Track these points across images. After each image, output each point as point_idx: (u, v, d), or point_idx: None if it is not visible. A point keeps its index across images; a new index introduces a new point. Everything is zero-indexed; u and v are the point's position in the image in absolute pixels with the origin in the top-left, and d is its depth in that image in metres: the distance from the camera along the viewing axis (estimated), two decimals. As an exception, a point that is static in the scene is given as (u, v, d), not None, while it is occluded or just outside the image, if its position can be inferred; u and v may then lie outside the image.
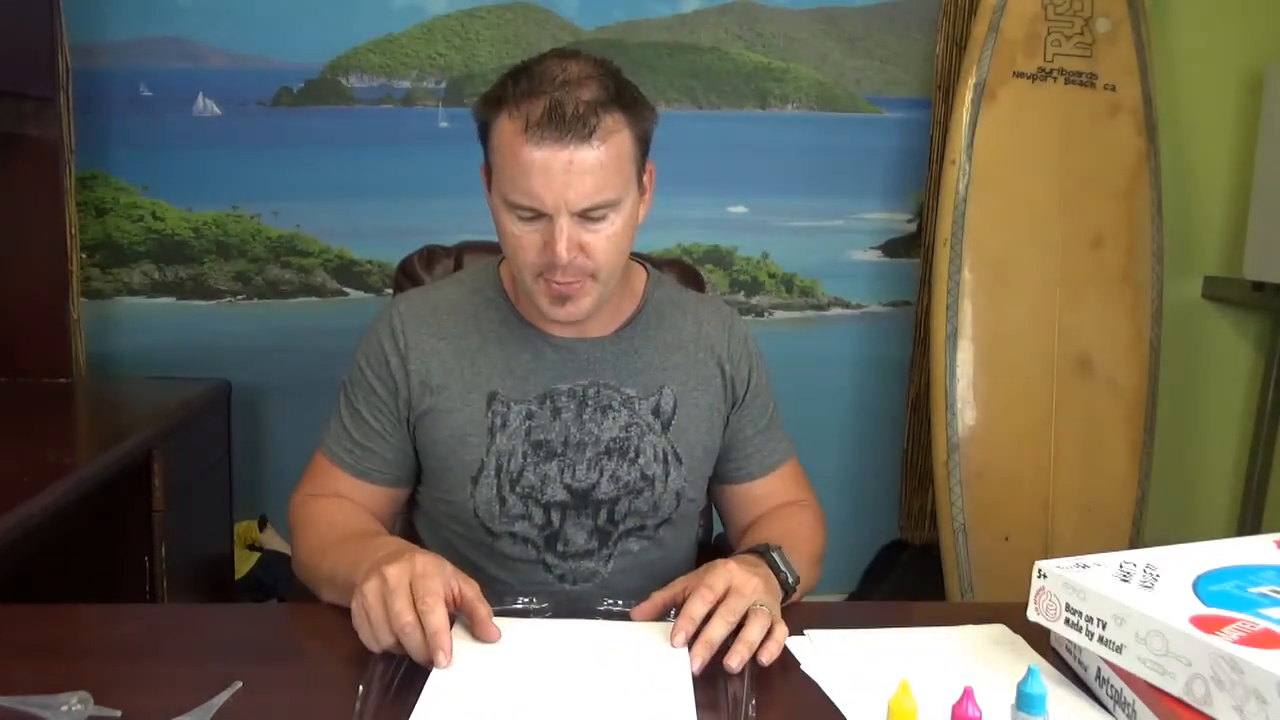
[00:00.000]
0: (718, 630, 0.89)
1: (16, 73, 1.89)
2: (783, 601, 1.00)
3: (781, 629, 0.92)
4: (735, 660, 0.87)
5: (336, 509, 1.14)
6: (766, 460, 1.25)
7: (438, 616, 0.84)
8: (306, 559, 1.09)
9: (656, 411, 1.17)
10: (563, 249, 1.01)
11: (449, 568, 0.91)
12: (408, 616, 0.84)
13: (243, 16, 2.20)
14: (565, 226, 1.01)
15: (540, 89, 1.00)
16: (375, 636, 0.86)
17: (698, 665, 0.87)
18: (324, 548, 1.06)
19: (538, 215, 1.03)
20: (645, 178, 1.11)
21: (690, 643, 0.89)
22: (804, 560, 1.09)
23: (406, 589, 0.86)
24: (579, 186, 1.00)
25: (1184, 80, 2.39)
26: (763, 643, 0.90)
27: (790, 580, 1.02)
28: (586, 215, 1.03)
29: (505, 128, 1.02)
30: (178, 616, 1.17)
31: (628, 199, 1.06)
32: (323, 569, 1.04)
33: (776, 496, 1.24)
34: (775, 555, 1.03)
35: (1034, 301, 2.21)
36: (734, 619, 0.90)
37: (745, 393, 1.23)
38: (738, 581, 0.93)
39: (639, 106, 1.06)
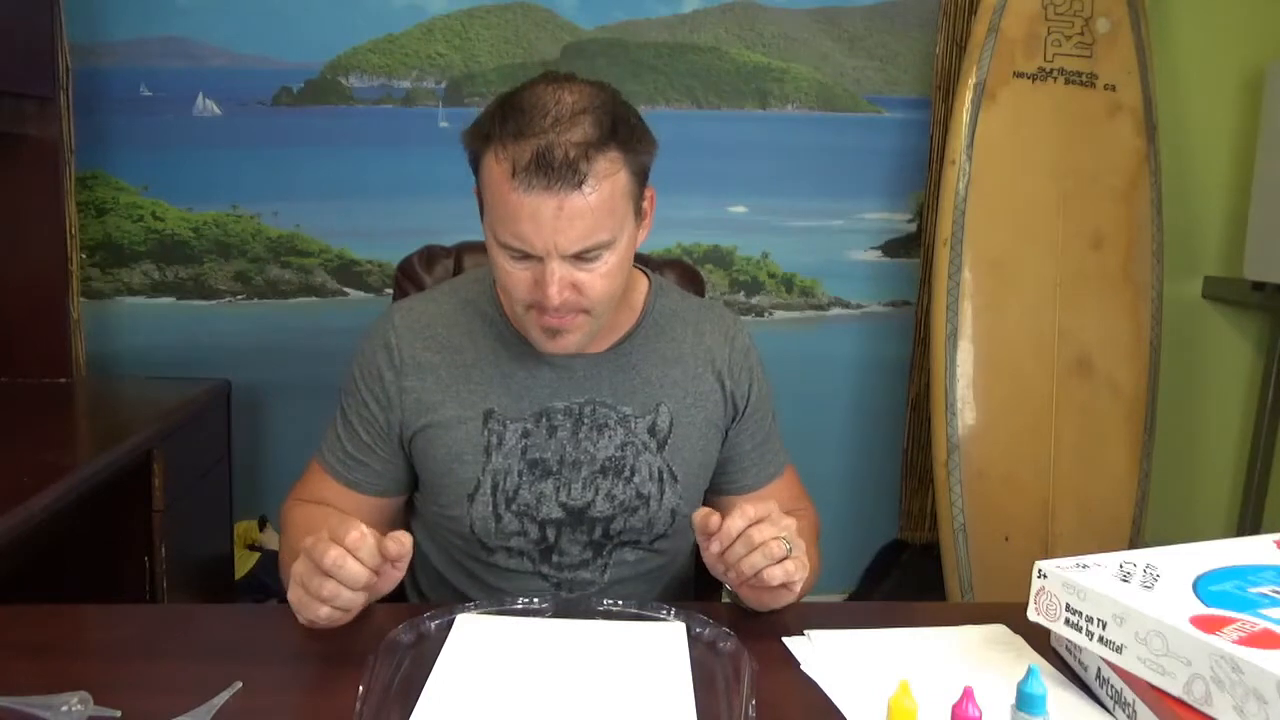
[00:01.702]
0: (737, 550, 0.94)
1: (16, 73, 1.89)
2: None
3: (796, 565, 0.94)
4: (732, 575, 0.96)
5: (316, 515, 1.12)
6: (763, 473, 1.24)
7: (369, 538, 0.89)
8: (282, 562, 1.10)
9: (653, 430, 1.15)
10: (553, 292, 1.00)
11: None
12: (333, 552, 0.88)
13: (243, 16, 2.20)
14: (556, 269, 0.99)
15: (528, 130, 0.96)
16: (312, 592, 0.89)
17: (719, 568, 0.96)
18: (294, 551, 1.03)
19: (527, 255, 1.00)
20: (645, 204, 1.08)
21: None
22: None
23: (327, 540, 0.89)
24: (569, 232, 0.98)
25: (1184, 80, 2.39)
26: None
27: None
28: (579, 256, 1.00)
29: (493, 169, 0.99)
30: (178, 616, 1.17)
31: (623, 236, 1.03)
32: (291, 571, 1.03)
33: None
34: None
35: (1034, 301, 2.21)
36: (760, 540, 0.93)
37: (745, 407, 1.21)
38: (776, 515, 0.96)
39: (636, 140, 1.02)
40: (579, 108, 0.98)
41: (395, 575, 0.94)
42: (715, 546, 0.95)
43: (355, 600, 0.91)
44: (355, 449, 1.16)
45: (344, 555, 0.88)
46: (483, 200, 1.05)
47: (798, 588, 0.97)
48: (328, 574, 0.88)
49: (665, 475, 1.16)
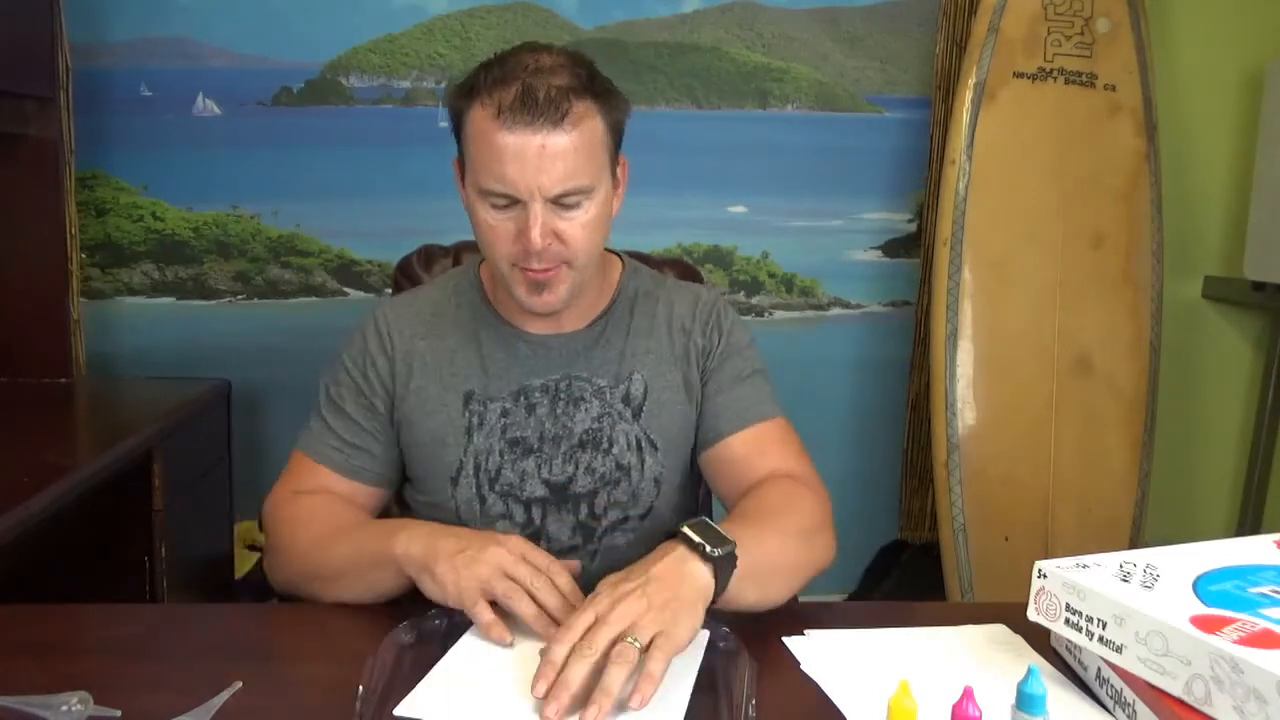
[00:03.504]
0: (574, 672, 0.78)
1: (16, 73, 1.89)
2: (723, 577, 0.89)
3: (659, 658, 0.79)
4: (592, 712, 0.75)
5: (329, 502, 1.12)
6: (740, 415, 1.16)
7: (565, 578, 0.94)
8: (306, 551, 1.05)
9: (627, 399, 1.17)
10: (536, 235, 1.02)
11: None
12: (554, 598, 0.91)
13: (243, 16, 2.20)
14: (539, 213, 1.02)
15: (512, 76, 1.02)
16: (519, 605, 0.90)
17: (553, 713, 0.76)
18: (333, 537, 1.05)
19: (511, 203, 1.03)
20: (620, 170, 1.11)
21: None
22: (773, 534, 0.99)
23: (530, 566, 0.92)
24: (552, 171, 1.01)
25: (1184, 80, 2.39)
26: (642, 679, 0.79)
27: (715, 551, 0.88)
28: (560, 202, 1.03)
29: (478, 115, 1.03)
30: (178, 616, 1.17)
31: (601, 187, 1.07)
32: (335, 556, 1.02)
33: (757, 456, 1.14)
34: (688, 530, 0.90)
35: (1034, 301, 2.21)
36: (593, 656, 0.79)
37: (712, 356, 1.20)
38: (600, 613, 0.82)
39: (610, 96, 1.07)
40: (557, 64, 1.04)
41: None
42: (539, 689, 0.78)
43: (515, 593, 0.91)
44: (353, 436, 1.16)
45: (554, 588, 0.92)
46: (465, 159, 1.07)
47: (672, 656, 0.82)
48: (529, 583, 0.91)
49: (644, 443, 1.16)
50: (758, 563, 0.93)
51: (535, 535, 1.15)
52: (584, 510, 1.16)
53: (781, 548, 1.00)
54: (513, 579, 0.91)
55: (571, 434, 1.15)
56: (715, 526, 0.92)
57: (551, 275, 1.06)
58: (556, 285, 1.08)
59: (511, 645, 0.89)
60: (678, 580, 0.86)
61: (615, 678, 0.77)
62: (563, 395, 1.15)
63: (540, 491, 1.15)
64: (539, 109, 1.00)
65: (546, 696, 0.77)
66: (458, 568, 0.91)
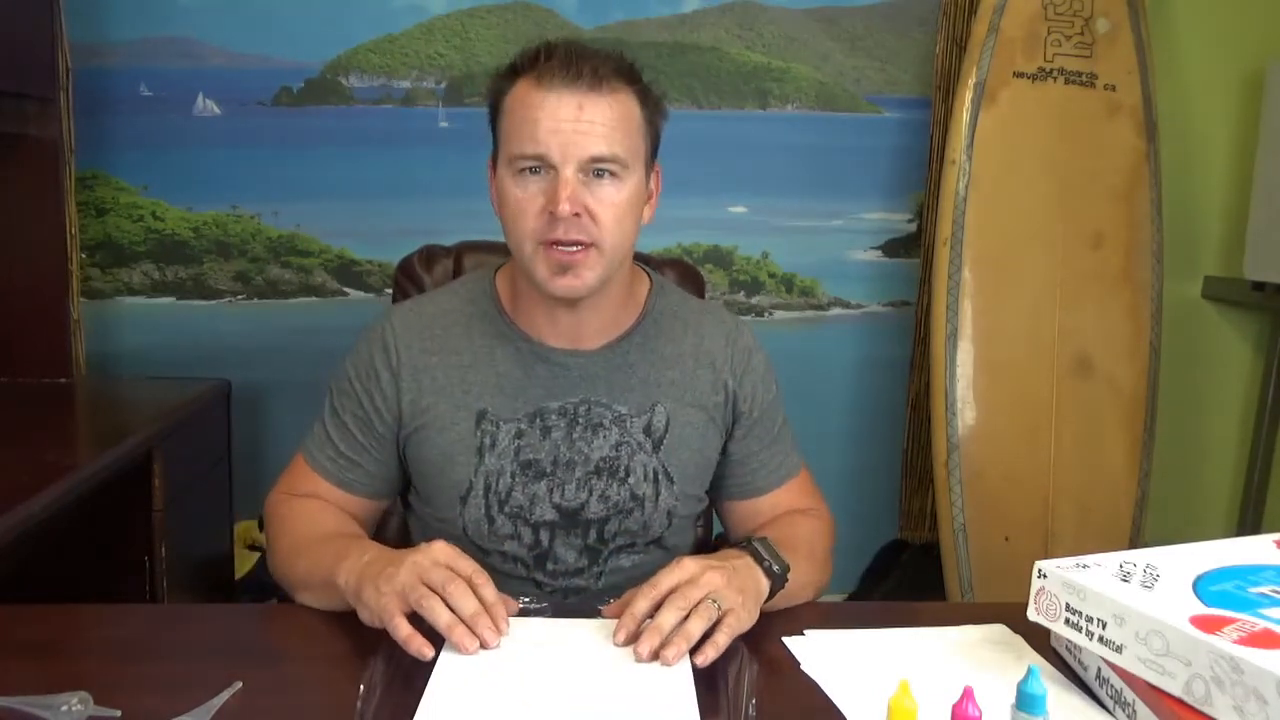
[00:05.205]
0: (666, 617, 0.89)
1: (16, 73, 1.89)
2: (774, 591, 1.00)
3: (726, 632, 0.90)
4: (671, 652, 0.87)
5: (316, 510, 1.13)
6: (775, 474, 1.22)
7: (489, 590, 0.92)
8: (284, 558, 1.08)
9: (648, 430, 1.15)
10: (565, 201, 1.01)
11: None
12: (469, 603, 0.89)
13: (243, 16, 2.20)
14: (570, 179, 1.02)
15: (557, 54, 1.03)
16: (433, 611, 0.88)
17: (645, 650, 0.88)
18: (301, 548, 1.06)
19: (543, 168, 1.03)
20: (653, 179, 1.11)
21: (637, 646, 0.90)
22: (802, 559, 1.07)
23: (447, 570, 0.91)
24: (589, 133, 1.01)
25: (1184, 80, 2.39)
26: (705, 641, 0.89)
27: (775, 568, 1.01)
28: (592, 172, 1.03)
29: (518, 88, 1.04)
30: (178, 616, 1.17)
31: (634, 171, 1.06)
32: (299, 568, 1.04)
33: (784, 505, 1.22)
34: (757, 545, 1.02)
35: (1034, 301, 2.21)
36: (686, 606, 0.90)
37: (750, 408, 1.20)
38: (691, 574, 0.93)
39: (651, 96, 1.08)
40: (604, 51, 1.06)
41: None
42: (620, 637, 0.91)
43: (436, 610, 0.89)
44: (348, 448, 1.15)
45: (467, 588, 0.91)
46: (498, 144, 1.08)
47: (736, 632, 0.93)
48: (442, 587, 0.89)
49: (660, 476, 1.15)
50: (792, 585, 1.03)
51: (542, 556, 1.14)
52: (593, 534, 1.14)
53: (808, 571, 1.09)
54: (428, 585, 0.90)
55: (588, 460, 1.13)
56: (775, 547, 1.03)
57: (579, 258, 1.04)
58: (582, 270, 1.05)
59: (434, 658, 0.87)
60: (749, 578, 0.98)
61: (696, 627, 0.89)
62: (580, 420, 1.13)
63: (550, 515, 1.13)
64: (579, 71, 1.01)
65: (637, 639, 0.89)
66: (379, 586, 0.91)
